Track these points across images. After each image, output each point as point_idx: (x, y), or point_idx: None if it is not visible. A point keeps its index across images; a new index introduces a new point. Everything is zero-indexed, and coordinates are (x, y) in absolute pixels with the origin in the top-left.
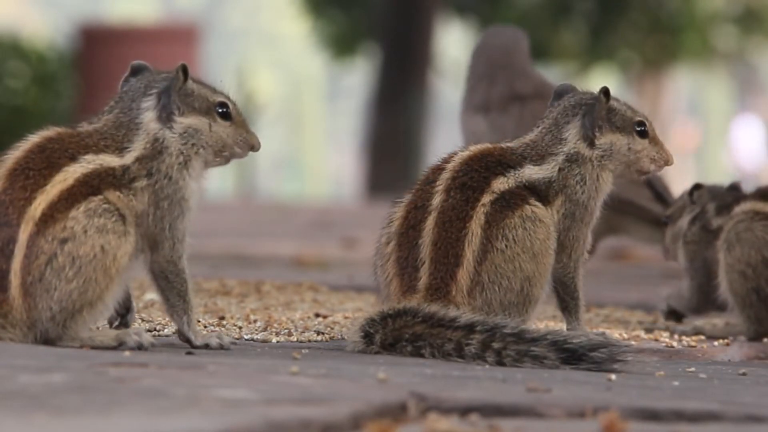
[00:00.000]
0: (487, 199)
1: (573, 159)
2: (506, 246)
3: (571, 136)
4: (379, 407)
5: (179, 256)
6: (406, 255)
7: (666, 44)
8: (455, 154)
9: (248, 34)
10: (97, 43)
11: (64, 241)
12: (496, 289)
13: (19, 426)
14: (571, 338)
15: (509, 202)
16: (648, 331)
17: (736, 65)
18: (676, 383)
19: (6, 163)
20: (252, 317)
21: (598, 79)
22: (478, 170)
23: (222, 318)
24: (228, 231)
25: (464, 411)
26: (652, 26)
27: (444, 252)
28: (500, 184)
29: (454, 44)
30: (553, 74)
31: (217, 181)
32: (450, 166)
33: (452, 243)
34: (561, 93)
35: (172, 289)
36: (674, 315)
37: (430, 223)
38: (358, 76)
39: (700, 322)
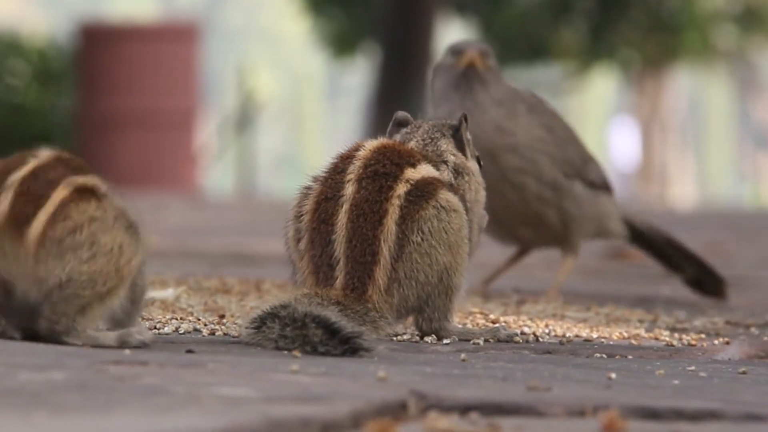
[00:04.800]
0: (401, 189)
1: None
2: (422, 239)
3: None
4: (379, 406)
5: None
6: (319, 252)
7: (666, 43)
8: (364, 143)
9: (248, 33)
10: (97, 42)
11: (92, 220)
12: (413, 284)
13: (19, 424)
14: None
15: (423, 191)
16: (648, 329)
17: (736, 64)
18: (676, 382)
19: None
20: None
21: (598, 78)
22: (391, 159)
23: (222, 316)
24: (228, 229)
25: (464, 409)
26: (653, 25)
27: (360, 250)
28: (412, 173)
29: None
30: (553, 73)
31: (216, 180)
32: (360, 154)
33: (368, 240)
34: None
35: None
36: None
37: (342, 217)
38: (358, 75)
39: (699, 321)
